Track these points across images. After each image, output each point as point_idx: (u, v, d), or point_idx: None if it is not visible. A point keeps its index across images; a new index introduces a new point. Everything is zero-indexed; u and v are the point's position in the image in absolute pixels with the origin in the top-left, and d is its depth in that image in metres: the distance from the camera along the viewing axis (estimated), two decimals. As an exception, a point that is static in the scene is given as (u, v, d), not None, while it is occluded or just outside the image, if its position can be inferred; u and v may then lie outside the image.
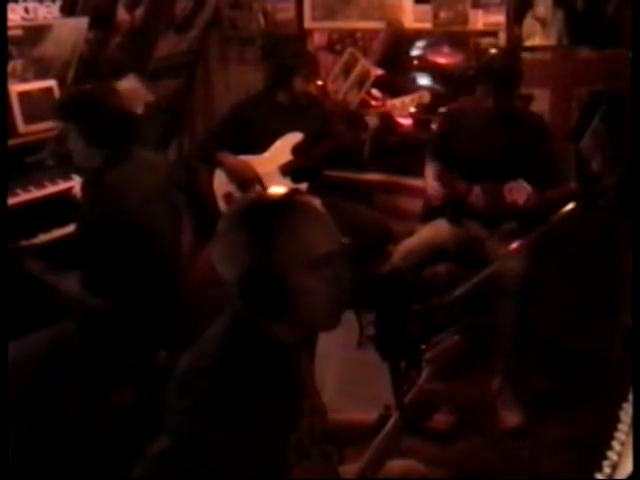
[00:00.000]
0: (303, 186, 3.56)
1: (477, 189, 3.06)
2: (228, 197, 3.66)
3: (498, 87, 2.99)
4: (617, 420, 1.43)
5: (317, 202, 1.46)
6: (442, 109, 3.66)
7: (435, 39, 4.14)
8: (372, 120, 3.71)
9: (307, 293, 1.39)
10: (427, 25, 3.98)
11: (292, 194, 1.46)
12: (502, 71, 3.01)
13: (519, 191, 2.91)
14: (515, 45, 3.69)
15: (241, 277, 1.37)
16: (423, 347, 1.70)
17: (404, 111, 3.83)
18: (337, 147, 3.66)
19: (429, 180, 3.25)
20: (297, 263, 1.37)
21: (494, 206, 3.03)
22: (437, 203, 3.17)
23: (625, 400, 1.47)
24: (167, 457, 1.34)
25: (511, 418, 2.93)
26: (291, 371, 1.46)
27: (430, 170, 3.28)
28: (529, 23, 3.63)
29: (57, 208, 3.13)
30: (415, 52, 4.24)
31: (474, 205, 3.09)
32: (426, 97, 3.67)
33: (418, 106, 3.81)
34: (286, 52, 3.73)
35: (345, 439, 1.71)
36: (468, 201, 3.09)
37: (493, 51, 3.30)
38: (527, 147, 3.06)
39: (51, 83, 3.37)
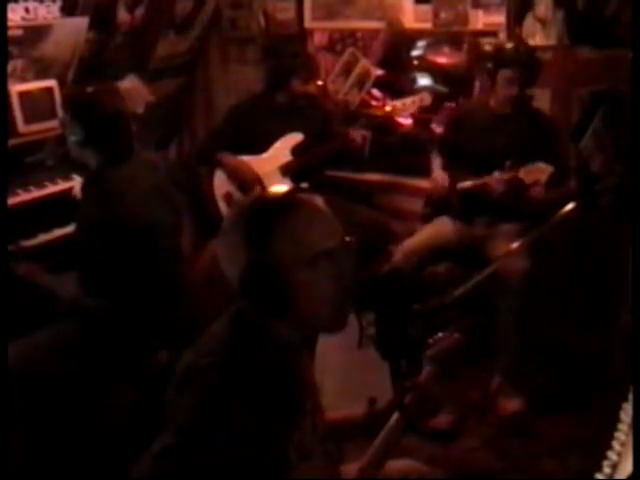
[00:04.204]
0: (303, 186, 3.56)
1: (497, 175, 2.98)
2: (228, 197, 3.66)
3: (525, 73, 2.99)
4: (617, 420, 1.43)
5: (319, 200, 1.47)
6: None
7: (435, 39, 4.14)
8: (356, 134, 3.66)
9: (309, 291, 1.39)
10: (427, 25, 3.98)
11: (293, 192, 1.47)
12: (531, 57, 3.04)
13: (540, 170, 2.89)
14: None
15: (242, 275, 1.38)
16: (424, 345, 1.70)
17: (405, 113, 3.82)
18: (338, 148, 3.66)
19: (436, 171, 3.24)
20: (297, 260, 1.37)
21: (515, 193, 2.98)
22: (443, 193, 3.16)
23: (625, 400, 1.46)
24: (170, 454, 1.33)
25: (511, 404, 2.92)
26: (294, 370, 1.46)
27: (437, 163, 3.28)
28: (529, 23, 3.62)
29: (57, 208, 3.13)
30: (415, 52, 4.25)
31: (496, 192, 3.00)
32: (427, 99, 3.66)
33: (419, 107, 3.81)
34: (285, 53, 3.73)
35: (331, 436, 1.70)
36: (489, 189, 3.02)
37: (509, 45, 3.26)
38: (537, 144, 3.06)
39: (51, 83, 3.37)
